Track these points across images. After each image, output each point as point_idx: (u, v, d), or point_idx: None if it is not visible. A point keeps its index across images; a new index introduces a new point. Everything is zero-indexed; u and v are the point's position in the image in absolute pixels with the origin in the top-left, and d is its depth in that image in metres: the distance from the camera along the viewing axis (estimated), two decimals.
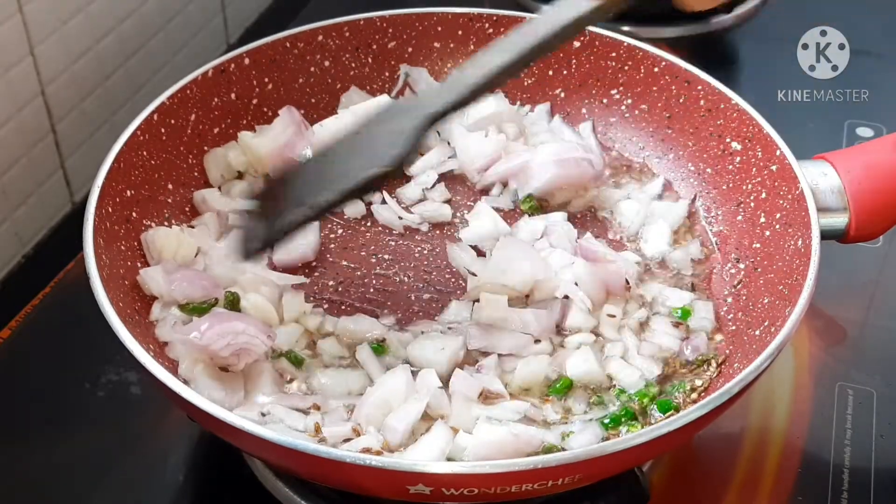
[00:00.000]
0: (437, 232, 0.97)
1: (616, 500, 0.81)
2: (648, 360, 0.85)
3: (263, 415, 0.79)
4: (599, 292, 0.89)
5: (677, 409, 0.81)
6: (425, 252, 0.95)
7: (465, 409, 0.79)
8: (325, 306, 0.90)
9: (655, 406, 0.81)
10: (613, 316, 0.88)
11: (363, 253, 0.95)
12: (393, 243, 0.96)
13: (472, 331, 0.85)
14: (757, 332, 0.83)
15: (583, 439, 0.78)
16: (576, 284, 0.88)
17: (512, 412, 0.79)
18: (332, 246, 0.96)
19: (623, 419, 0.80)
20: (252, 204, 0.82)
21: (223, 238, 0.94)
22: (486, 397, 0.81)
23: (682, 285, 0.92)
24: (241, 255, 0.80)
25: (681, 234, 0.97)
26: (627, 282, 0.90)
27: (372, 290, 0.91)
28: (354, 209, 0.99)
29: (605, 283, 0.89)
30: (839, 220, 0.88)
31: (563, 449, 0.77)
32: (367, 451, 0.75)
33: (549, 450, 0.76)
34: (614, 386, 0.83)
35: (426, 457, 0.75)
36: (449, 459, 0.75)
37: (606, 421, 0.80)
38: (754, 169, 0.94)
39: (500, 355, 0.84)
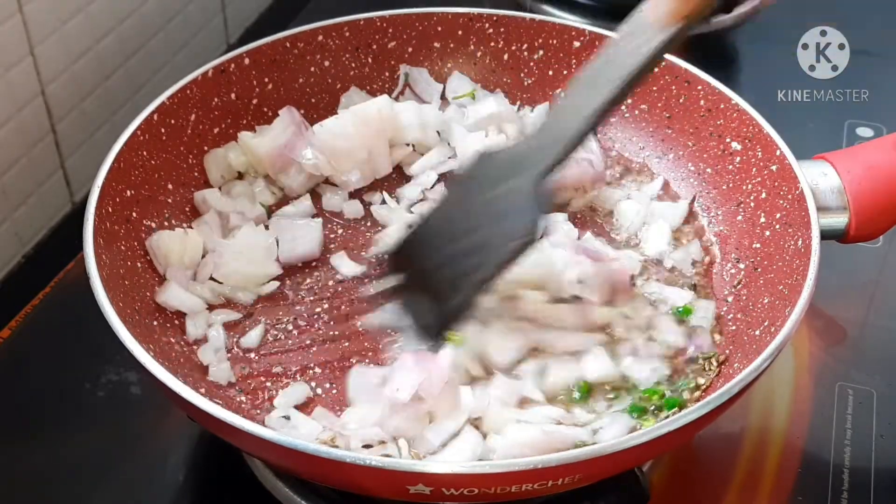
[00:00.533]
0: None
1: (616, 500, 0.81)
2: (657, 359, 0.85)
3: (287, 418, 0.80)
4: (606, 291, 0.89)
5: (682, 406, 0.81)
6: None
7: (499, 414, 0.79)
8: (326, 305, 0.90)
9: (664, 403, 0.81)
10: (630, 317, 0.87)
11: (363, 253, 0.95)
12: None
13: (527, 329, 0.85)
14: (757, 332, 0.83)
15: (612, 431, 0.78)
16: (579, 283, 0.88)
17: (544, 417, 0.79)
18: (332, 246, 0.96)
19: (632, 413, 0.80)
20: (389, 276, 0.84)
21: (230, 236, 0.94)
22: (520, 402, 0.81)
23: (683, 285, 0.92)
24: (424, 342, 0.82)
25: (681, 234, 0.97)
26: (633, 279, 0.90)
27: (371, 290, 0.91)
28: (354, 209, 0.99)
29: (611, 282, 0.89)
30: (839, 220, 0.88)
31: (594, 444, 0.77)
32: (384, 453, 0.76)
33: (579, 447, 0.76)
34: (627, 383, 0.83)
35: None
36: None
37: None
38: (754, 169, 0.94)
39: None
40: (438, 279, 0.82)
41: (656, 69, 0.77)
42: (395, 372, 0.79)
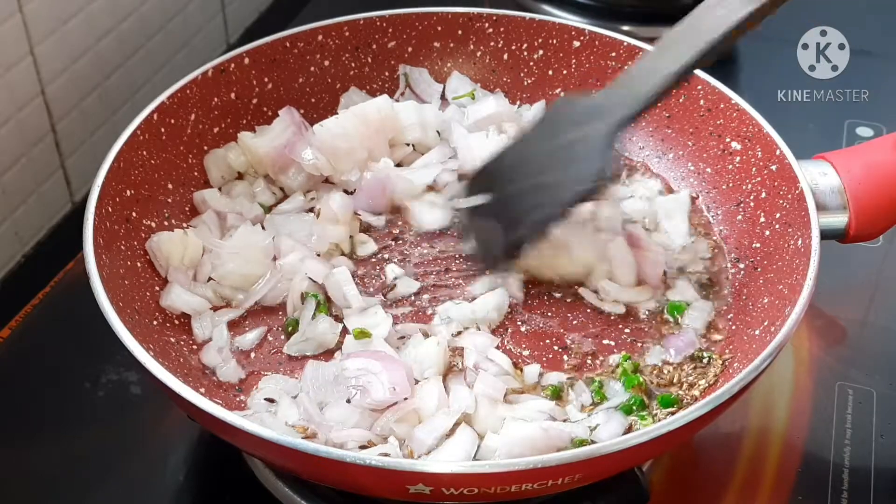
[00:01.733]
0: (437, 231, 0.97)
1: (616, 500, 0.81)
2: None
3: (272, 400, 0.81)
4: (629, 273, 0.89)
5: (677, 402, 0.81)
6: (424, 251, 0.95)
7: (491, 411, 0.79)
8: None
9: (657, 401, 0.81)
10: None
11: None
12: (392, 243, 0.96)
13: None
14: (757, 332, 0.83)
15: (610, 430, 0.78)
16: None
17: (536, 411, 0.79)
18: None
19: (633, 408, 0.80)
20: (470, 192, 0.89)
21: (227, 236, 0.94)
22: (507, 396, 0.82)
23: (693, 283, 0.92)
24: (488, 268, 0.89)
25: (695, 229, 0.97)
26: (665, 273, 0.91)
27: (372, 289, 0.91)
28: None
29: (640, 269, 0.90)
30: (839, 220, 0.88)
31: (593, 442, 0.77)
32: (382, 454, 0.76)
33: (580, 444, 0.77)
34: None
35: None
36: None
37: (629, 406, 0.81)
38: (754, 169, 0.94)
39: None
40: (506, 211, 0.86)
41: (737, 40, 0.79)
42: (360, 375, 0.79)
